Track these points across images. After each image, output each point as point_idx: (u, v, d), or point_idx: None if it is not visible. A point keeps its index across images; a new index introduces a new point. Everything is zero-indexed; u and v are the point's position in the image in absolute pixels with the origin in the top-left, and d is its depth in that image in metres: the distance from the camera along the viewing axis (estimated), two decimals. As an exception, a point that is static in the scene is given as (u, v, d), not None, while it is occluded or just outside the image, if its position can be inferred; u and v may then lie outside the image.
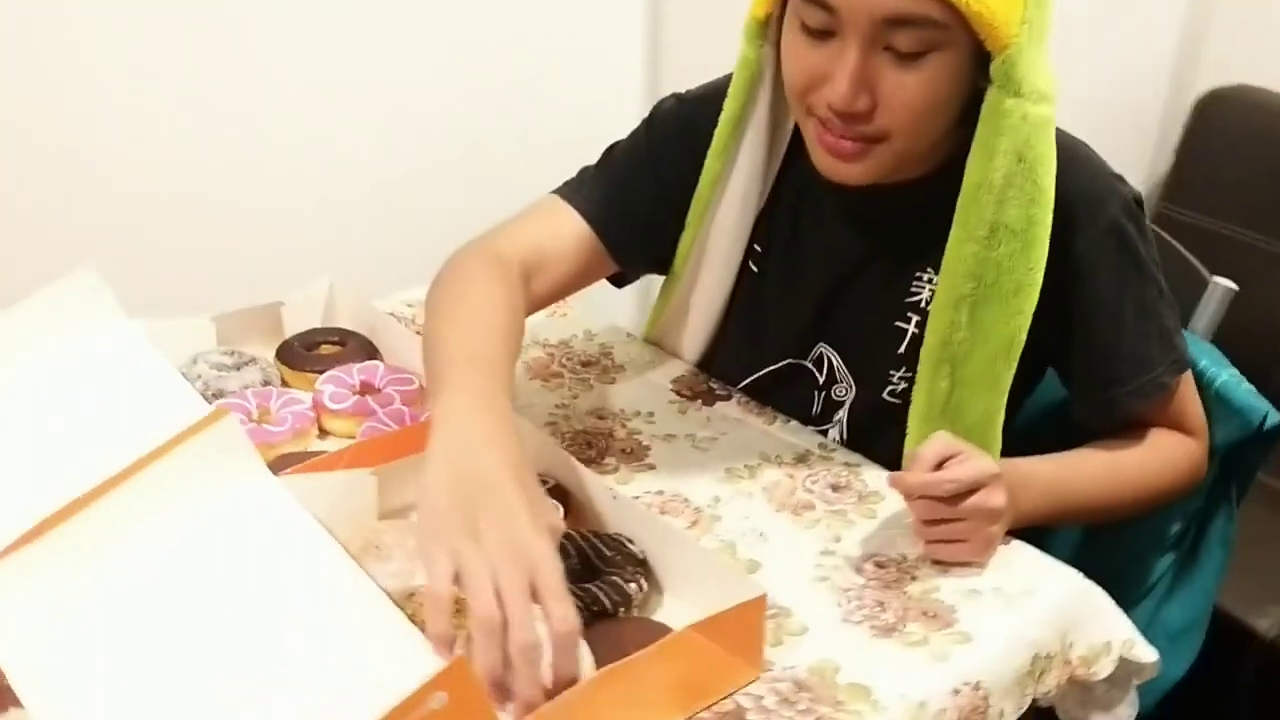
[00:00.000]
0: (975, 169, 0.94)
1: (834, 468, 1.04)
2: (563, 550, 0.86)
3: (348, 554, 0.80)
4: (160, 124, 1.36)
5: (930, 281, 1.03)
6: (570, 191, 1.11)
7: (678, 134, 1.10)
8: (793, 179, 1.09)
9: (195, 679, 0.70)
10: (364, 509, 0.89)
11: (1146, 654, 0.91)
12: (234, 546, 0.79)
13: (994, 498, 0.88)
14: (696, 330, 1.18)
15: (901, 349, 1.05)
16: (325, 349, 1.14)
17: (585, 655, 0.75)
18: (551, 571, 0.71)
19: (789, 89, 0.96)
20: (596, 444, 1.06)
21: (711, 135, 1.07)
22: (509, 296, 0.98)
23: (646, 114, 1.14)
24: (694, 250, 1.12)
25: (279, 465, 0.91)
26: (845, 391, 1.10)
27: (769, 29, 0.99)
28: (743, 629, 0.78)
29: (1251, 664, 1.50)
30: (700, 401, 1.14)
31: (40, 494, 0.80)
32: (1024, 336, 0.98)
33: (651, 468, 1.03)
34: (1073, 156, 0.97)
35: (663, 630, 0.80)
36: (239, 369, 1.07)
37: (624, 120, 1.16)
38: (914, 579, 0.90)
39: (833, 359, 1.10)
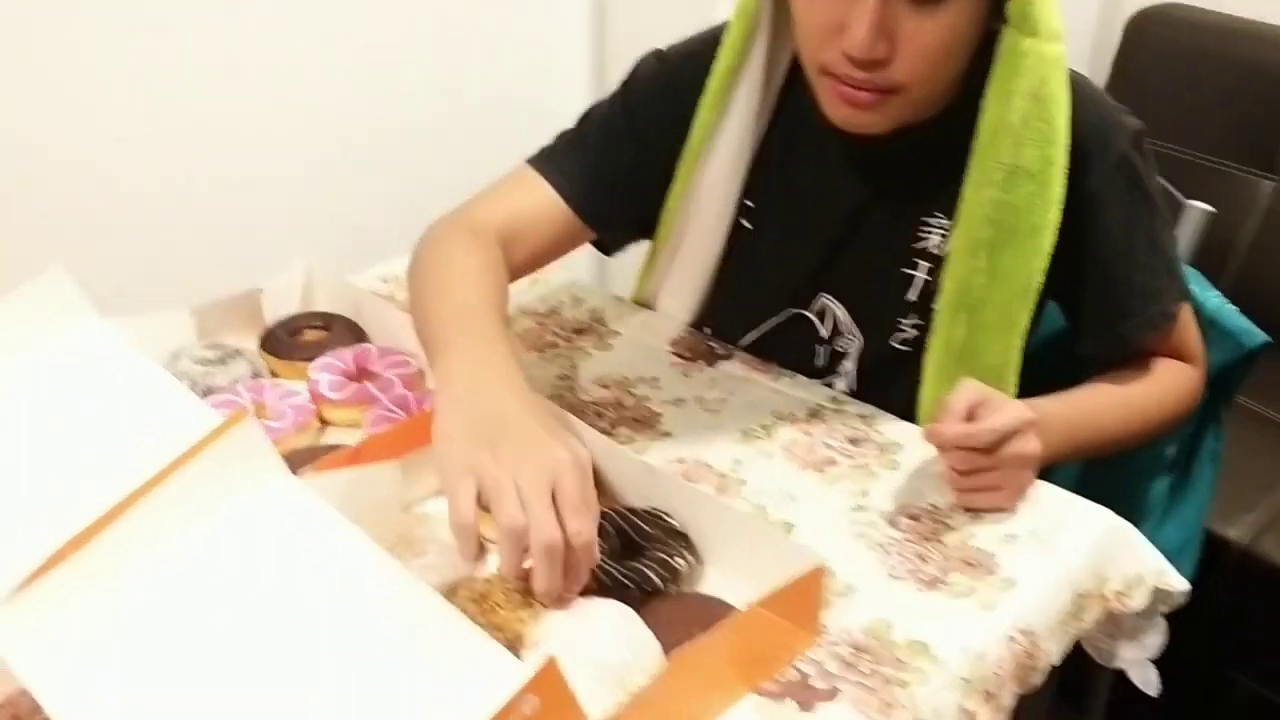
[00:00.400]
0: (992, 111, 0.92)
1: (848, 420, 1.03)
2: (601, 530, 0.84)
3: (387, 553, 0.77)
4: (115, 114, 1.29)
5: (940, 226, 1.02)
6: (544, 160, 1.09)
7: (661, 92, 1.08)
8: (783, 129, 1.06)
9: (254, 701, 0.67)
10: (389, 502, 0.86)
11: (1178, 583, 0.92)
12: (272, 557, 0.75)
13: (1029, 444, 0.88)
14: (689, 288, 1.16)
15: (912, 295, 1.04)
16: (310, 334, 1.09)
17: (649, 638, 0.74)
18: (571, 481, 0.73)
19: (803, 40, 0.94)
20: (606, 415, 1.03)
21: (695, 91, 1.05)
22: (490, 259, 0.98)
23: (596, 67, 1.11)
24: (683, 205, 1.10)
25: (290, 462, 0.86)
26: (850, 341, 1.08)
27: None
28: (802, 599, 0.77)
29: (1224, 572, 1.54)
30: (702, 362, 1.12)
31: (54, 513, 0.75)
32: (1042, 278, 0.97)
33: (667, 435, 1.01)
34: (1082, 93, 0.96)
35: (721, 606, 0.78)
36: (225, 363, 1.02)
37: (575, 86, 1.14)
38: (949, 528, 0.90)
39: (835, 309, 1.09)
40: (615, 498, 0.90)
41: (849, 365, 1.09)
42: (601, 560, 0.81)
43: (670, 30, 1.13)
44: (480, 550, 0.76)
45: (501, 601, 0.75)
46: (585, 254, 1.15)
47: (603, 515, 0.85)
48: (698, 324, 1.17)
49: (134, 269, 1.30)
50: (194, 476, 0.75)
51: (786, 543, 0.84)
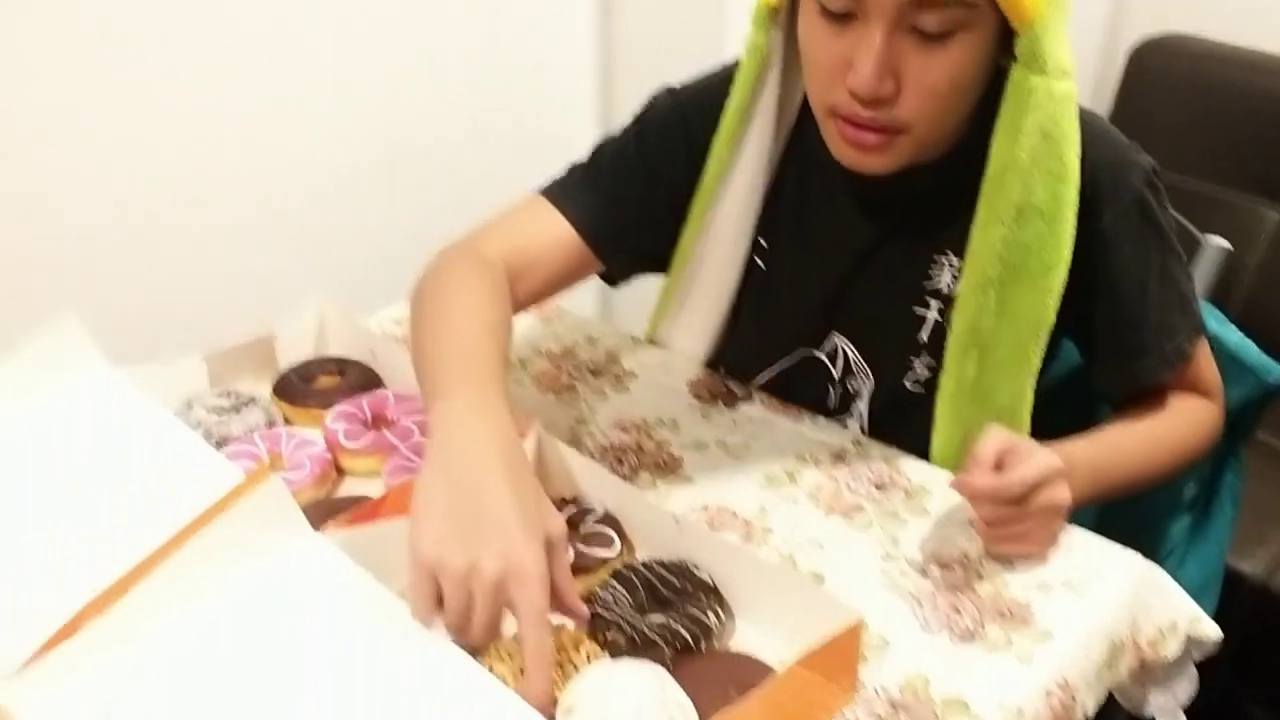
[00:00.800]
0: (1001, 150, 0.92)
1: (872, 463, 1.02)
2: (628, 583, 0.83)
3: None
4: (121, 150, 1.28)
5: (950, 265, 1.01)
6: (556, 191, 1.08)
7: (675, 127, 1.07)
8: (795, 167, 1.06)
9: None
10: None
11: (1211, 630, 0.91)
12: (297, 620, 0.73)
13: (1060, 493, 0.87)
14: (702, 327, 1.15)
15: (924, 335, 1.03)
16: (324, 380, 1.07)
17: (684, 700, 0.72)
18: (531, 594, 0.71)
19: (810, 81, 0.93)
20: (627, 460, 1.02)
21: (709, 126, 1.04)
22: (495, 294, 0.96)
23: (610, 108, 1.11)
24: (697, 244, 1.09)
25: (310, 515, 0.85)
26: (863, 382, 1.07)
27: (779, 15, 0.96)
28: (840, 655, 0.76)
29: (1240, 605, 1.53)
30: (721, 403, 1.10)
31: (73, 574, 0.73)
32: (1053, 316, 0.97)
33: (689, 480, 0.99)
34: (1093, 131, 0.96)
35: (757, 665, 0.77)
36: (239, 411, 1.00)
37: (580, 124, 1.13)
38: (981, 577, 0.89)
39: (847, 349, 1.07)
40: (639, 548, 0.88)
41: (861, 406, 1.08)
42: (630, 616, 0.79)
43: (680, 65, 1.12)
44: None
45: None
46: (591, 286, 1.14)
47: (629, 569, 0.84)
48: (711, 364, 1.16)
49: (142, 305, 1.28)
50: (218, 537, 0.73)
51: (820, 596, 0.82)
